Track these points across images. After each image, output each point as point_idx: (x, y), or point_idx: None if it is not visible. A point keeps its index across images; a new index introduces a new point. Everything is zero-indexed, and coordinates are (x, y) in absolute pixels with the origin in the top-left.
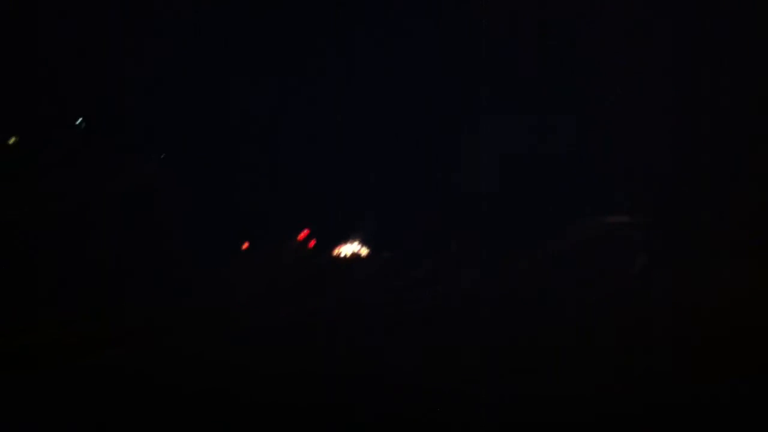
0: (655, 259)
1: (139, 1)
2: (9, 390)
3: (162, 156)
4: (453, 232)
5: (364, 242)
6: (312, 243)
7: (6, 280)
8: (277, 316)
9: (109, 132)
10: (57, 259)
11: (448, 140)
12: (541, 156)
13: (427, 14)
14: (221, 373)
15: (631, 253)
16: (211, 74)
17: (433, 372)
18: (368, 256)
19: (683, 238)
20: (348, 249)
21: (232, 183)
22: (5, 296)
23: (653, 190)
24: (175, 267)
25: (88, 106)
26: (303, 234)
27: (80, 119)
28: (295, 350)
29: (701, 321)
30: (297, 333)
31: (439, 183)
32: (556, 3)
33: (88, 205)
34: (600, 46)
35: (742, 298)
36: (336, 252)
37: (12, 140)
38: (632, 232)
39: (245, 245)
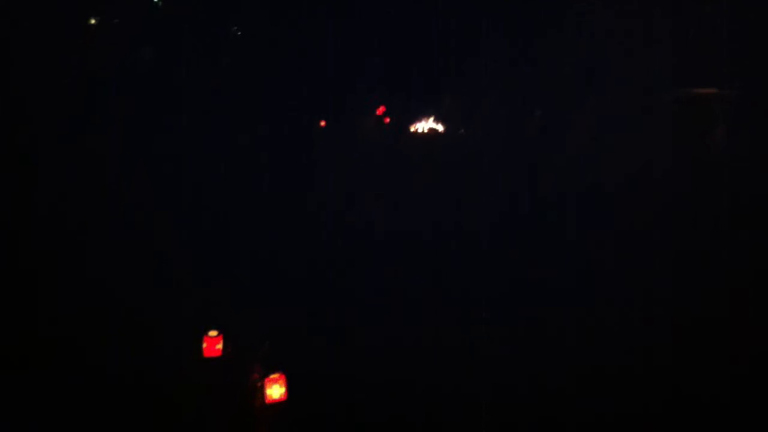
0: (735, 129)
1: None
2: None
3: None
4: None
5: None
6: (387, 119)
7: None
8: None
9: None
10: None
11: None
12: None
13: None
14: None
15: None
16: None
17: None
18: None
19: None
20: (424, 126)
21: None
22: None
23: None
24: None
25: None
26: (380, 109)
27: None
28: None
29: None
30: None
31: None
32: None
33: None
34: None
35: None
36: (413, 128)
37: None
38: (716, 103)
39: (322, 123)
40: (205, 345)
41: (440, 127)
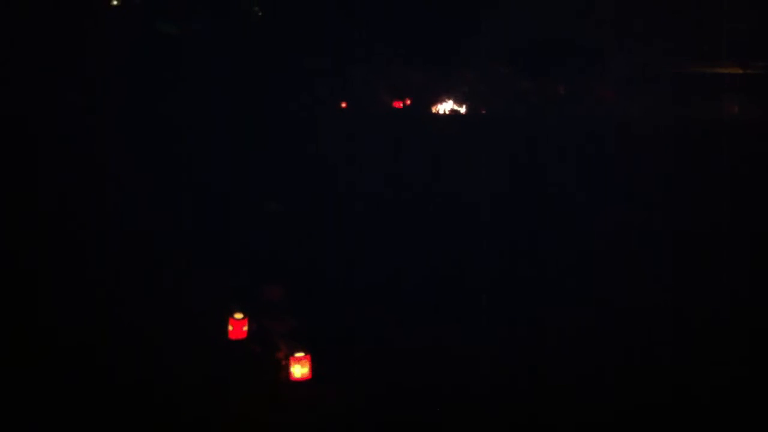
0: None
1: None
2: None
3: None
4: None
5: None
6: (406, 101)
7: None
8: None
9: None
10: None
11: None
12: None
13: None
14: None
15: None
16: None
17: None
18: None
19: None
20: (445, 107)
21: None
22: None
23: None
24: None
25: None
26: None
27: None
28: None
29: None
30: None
31: None
32: None
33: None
34: None
35: None
36: (434, 109)
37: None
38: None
39: (343, 104)
40: (231, 328)
41: (462, 109)
